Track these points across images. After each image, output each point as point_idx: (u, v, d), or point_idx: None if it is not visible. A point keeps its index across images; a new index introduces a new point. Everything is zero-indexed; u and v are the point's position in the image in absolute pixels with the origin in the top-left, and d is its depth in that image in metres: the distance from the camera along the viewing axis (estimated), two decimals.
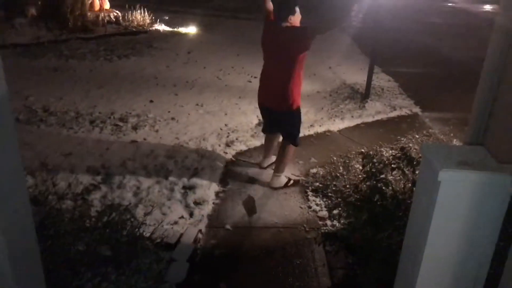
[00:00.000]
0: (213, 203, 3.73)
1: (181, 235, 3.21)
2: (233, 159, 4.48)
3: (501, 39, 3.02)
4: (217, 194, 3.87)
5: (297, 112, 3.77)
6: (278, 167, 3.98)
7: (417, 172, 3.10)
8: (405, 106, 6.04)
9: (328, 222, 3.49)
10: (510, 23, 2.92)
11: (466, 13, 14.54)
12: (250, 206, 3.71)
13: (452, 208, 1.82)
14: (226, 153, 4.56)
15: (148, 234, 3.02)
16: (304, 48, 3.49)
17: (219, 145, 4.69)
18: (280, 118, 3.83)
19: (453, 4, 15.88)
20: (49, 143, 4.49)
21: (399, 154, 3.10)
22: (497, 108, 3.08)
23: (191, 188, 3.85)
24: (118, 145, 4.58)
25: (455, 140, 4.89)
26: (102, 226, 2.69)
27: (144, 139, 4.74)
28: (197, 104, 5.79)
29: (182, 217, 3.47)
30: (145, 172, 4.06)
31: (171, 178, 3.98)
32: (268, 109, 3.88)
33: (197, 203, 3.66)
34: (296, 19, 3.53)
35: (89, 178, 3.86)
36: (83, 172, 3.98)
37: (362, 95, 6.24)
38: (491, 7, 15.11)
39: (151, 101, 5.79)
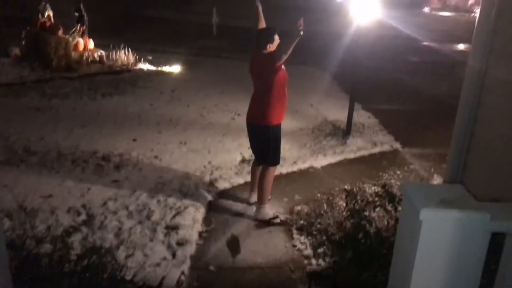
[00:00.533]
0: (197, 243, 3.68)
1: (164, 277, 3.14)
2: (217, 197, 4.45)
3: (473, 79, 3.15)
4: (200, 234, 3.82)
5: (273, 130, 3.88)
6: (260, 197, 4.03)
7: (399, 209, 3.14)
8: (386, 142, 6.14)
9: (313, 261, 3.45)
10: (480, 64, 3.06)
11: (441, 52, 15.10)
12: (234, 246, 3.66)
13: (435, 246, 1.84)
14: (210, 191, 4.54)
15: (129, 277, 2.94)
16: (275, 71, 3.71)
17: (203, 183, 4.67)
18: (258, 132, 3.95)
19: (429, 43, 16.50)
20: (29, 184, 4.41)
21: (381, 192, 3.14)
22: (473, 145, 3.18)
23: (174, 228, 3.79)
24: (100, 185, 4.52)
25: (436, 175, 4.97)
26: (82, 270, 2.62)
27: (127, 178, 4.70)
28: (181, 142, 5.79)
29: (164, 258, 3.40)
30: (127, 212, 4.00)
31: (153, 218, 3.92)
32: (249, 124, 4.02)
33: (180, 243, 3.60)
34: (275, 46, 3.74)
35: (69, 220, 3.78)
36: (64, 213, 3.90)
37: (344, 132, 6.33)
38: (464, 47, 15.75)
39: (134, 140, 5.77)
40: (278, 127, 3.91)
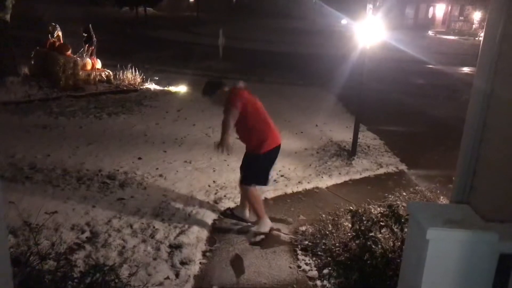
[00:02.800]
0: (200, 262, 3.65)
1: None
2: (221, 216, 4.43)
3: (479, 100, 3.16)
4: (204, 253, 3.79)
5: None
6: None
7: (405, 230, 3.11)
8: (391, 164, 6.12)
9: (318, 283, 3.41)
10: (486, 85, 3.07)
11: (446, 74, 15.18)
12: (238, 266, 3.63)
13: (442, 266, 1.82)
14: (214, 210, 4.52)
15: None
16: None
17: (207, 202, 4.66)
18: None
19: (433, 66, 16.60)
20: (34, 201, 4.42)
21: (387, 212, 3.11)
22: (480, 167, 3.16)
23: (178, 247, 3.77)
24: (105, 202, 4.52)
25: (442, 197, 4.93)
26: (85, 287, 2.60)
27: (131, 196, 4.69)
28: (186, 161, 5.80)
29: (168, 277, 3.37)
30: (131, 231, 3.99)
31: (157, 237, 3.91)
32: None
33: (183, 262, 3.57)
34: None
35: (73, 237, 3.77)
36: (68, 230, 3.90)
37: (349, 153, 6.32)
38: (468, 69, 15.83)
39: (140, 158, 5.79)
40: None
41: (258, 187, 4.12)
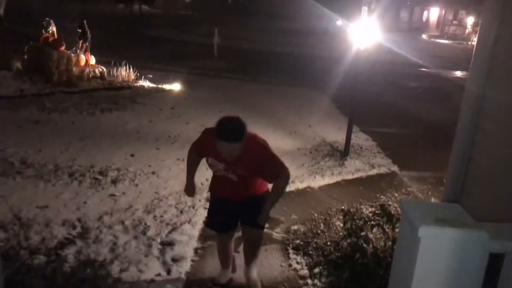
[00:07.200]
0: (192, 260, 3.64)
1: None
2: None
3: (471, 103, 3.19)
4: (196, 250, 3.78)
5: None
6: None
7: (396, 230, 3.12)
8: (384, 165, 6.15)
9: (309, 281, 3.42)
10: (478, 88, 3.09)
11: (439, 78, 15.28)
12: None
13: (433, 264, 1.83)
14: (206, 208, 4.50)
15: None
16: None
17: (200, 200, 4.65)
18: None
19: (427, 70, 16.70)
20: (24, 195, 4.38)
21: (379, 211, 3.13)
22: (471, 168, 3.19)
23: (169, 244, 3.76)
24: (96, 199, 4.49)
25: (433, 198, 4.97)
26: (75, 282, 2.59)
27: (123, 193, 4.67)
28: (179, 159, 5.78)
29: (159, 274, 3.36)
30: (122, 227, 3.97)
31: (149, 234, 3.89)
32: None
33: (175, 260, 3.56)
34: None
35: (64, 232, 3.75)
36: (59, 225, 3.87)
37: (342, 153, 6.35)
38: (461, 73, 15.95)
39: (132, 155, 5.77)
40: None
41: None
